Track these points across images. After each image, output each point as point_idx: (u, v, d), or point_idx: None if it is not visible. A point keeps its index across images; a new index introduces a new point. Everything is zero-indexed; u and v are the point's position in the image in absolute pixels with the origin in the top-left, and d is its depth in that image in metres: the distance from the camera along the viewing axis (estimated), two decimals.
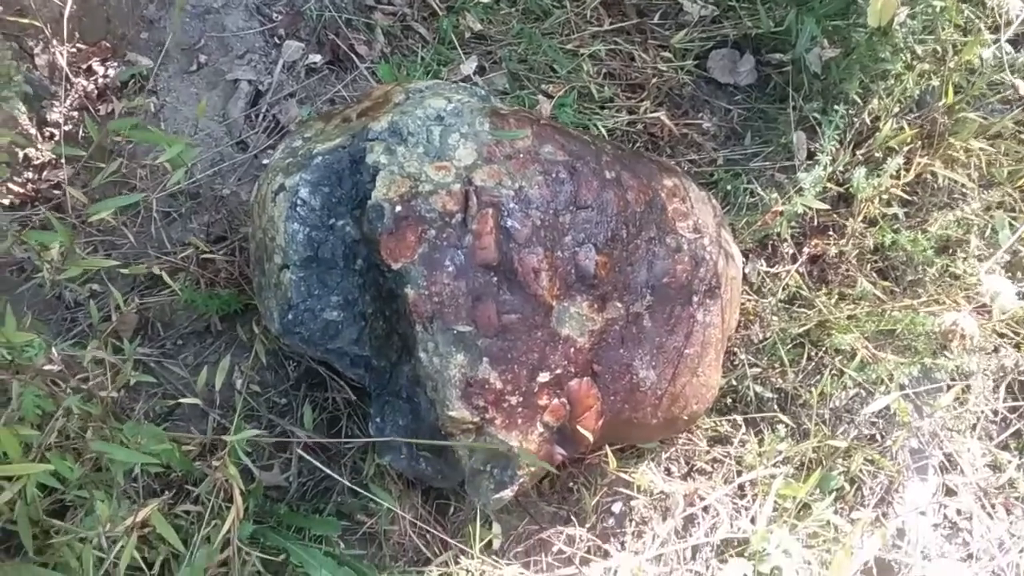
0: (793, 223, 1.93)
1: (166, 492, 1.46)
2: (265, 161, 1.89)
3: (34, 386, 1.25)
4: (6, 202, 1.76)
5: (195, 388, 1.58)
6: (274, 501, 1.61)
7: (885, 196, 1.90)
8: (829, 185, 1.91)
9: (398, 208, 1.40)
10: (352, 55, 2.02)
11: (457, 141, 1.46)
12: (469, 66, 2.03)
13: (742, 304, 1.86)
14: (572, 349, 1.47)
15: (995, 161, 1.94)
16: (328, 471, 1.52)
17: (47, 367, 1.26)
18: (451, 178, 1.43)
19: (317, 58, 2.02)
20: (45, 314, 1.69)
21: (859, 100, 1.95)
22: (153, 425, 1.45)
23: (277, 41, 2.03)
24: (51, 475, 1.25)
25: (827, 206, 1.91)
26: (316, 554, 1.51)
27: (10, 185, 1.76)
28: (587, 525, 1.69)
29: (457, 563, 1.58)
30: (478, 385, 1.40)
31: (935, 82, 1.92)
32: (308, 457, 1.58)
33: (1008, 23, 1.63)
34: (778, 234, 1.92)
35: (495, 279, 1.41)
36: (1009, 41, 1.92)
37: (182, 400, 1.56)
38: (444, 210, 1.40)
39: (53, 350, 1.28)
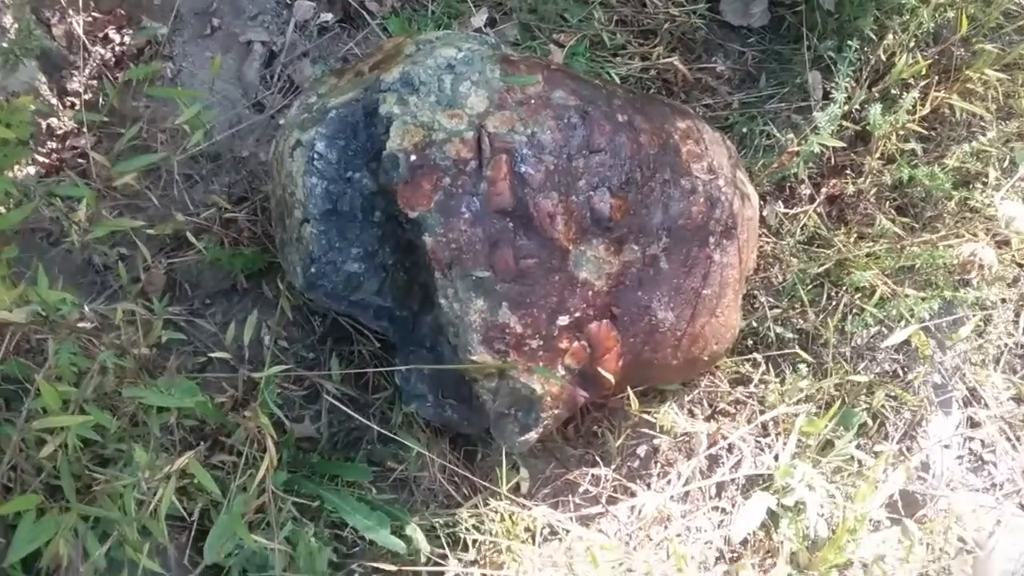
0: (810, 163, 1.93)
1: (201, 444, 1.51)
2: (281, 121, 1.91)
3: (69, 343, 1.29)
4: (32, 171, 1.80)
5: (224, 344, 1.62)
6: (306, 452, 1.65)
7: (902, 132, 1.90)
8: (845, 123, 1.90)
9: (413, 157, 1.42)
10: (363, 12, 2.03)
11: (469, 89, 1.47)
12: (480, 18, 2.03)
13: (761, 247, 1.87)
14: (590, 292, 1.49)
15: (1013, 92, 1.92)
16: (359, 417, 1.55)
17: (81, 324, 1.30)
18: (464, 126, 1.44)
19: (328, 16, 2.03)
20: (76, 278, 1.73)
21: (874, 36, 1.93)
22: (185, 379, 1.49)
23: (288, 1, 2.04)
24: (91, 428, 1.29)
25: (844, 144, 1.91)
26: (349, 499, 1.55)
27: (35, 156, 1.80)
28: (612, 466, 1.72)
29: (487, 505, 1.62)
30: (498, 329, 1.43)
31: (950, 14, 1.90)
32: (339, 405, 1.62)
33: None
34: (795, 175, 1.92)
35: (511, 224, 1.43)
36: None
37: (212, 355, 1.60)
38: (458, 158, 1.42)
39: (86, 308, 1.32)
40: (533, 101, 1.48)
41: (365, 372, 1.71)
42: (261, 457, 1.43)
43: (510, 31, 2.04)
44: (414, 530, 1.56)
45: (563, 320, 1.48)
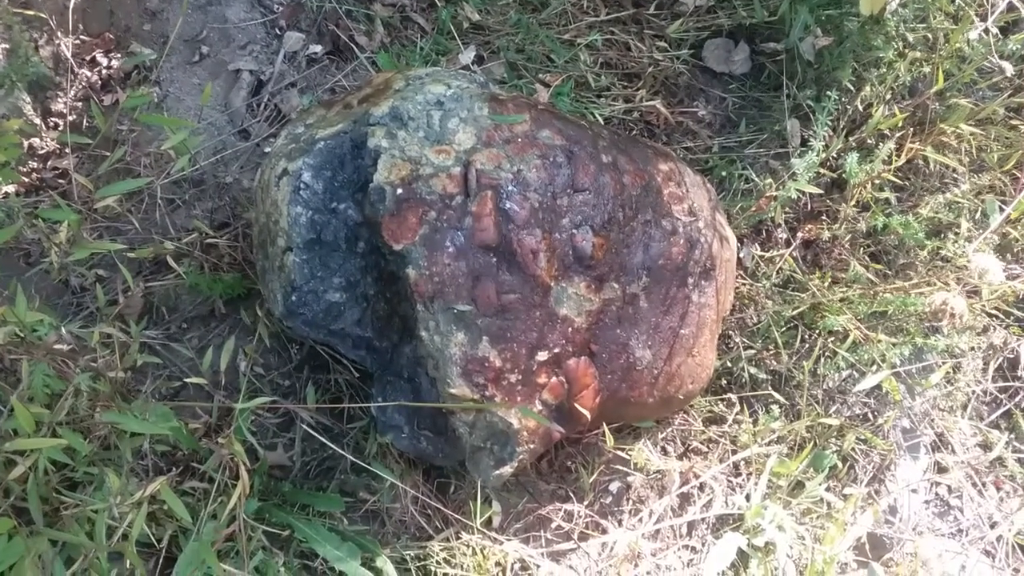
0: (787, 208, 1.97)
1: (173, 469, 1.50)
2: (267, 149, 1.92)
3: (44, 364, 1.28)
4: (12, 190, 1.79)
5: (200, 370, 1.61)
6: (278, 480, 1.64)
7: (877, 181, 1.94)
8: (822, 171, 1.95)
9: (399, 191, 1.43)
10: (352, 45, 2.06)
11: (457, 125, 1.49)
12: (467, 56, 2.06)
13: (737, 288, 1.90)
14: (570, 329, 1.51)
15: (985, 146, 1.98)
16: (333, 446, 1.55)
17: (57, 346, 1.29)
18: (451, 161, 1.46)
19: (318, 48, 2.05)
20: (52, 299, 1.72)
21: (852, 88, 1.99)
22: (160, 404, 1.48)
23: (278, 32, 2.06)
24: (62, 451, 1.27)
25: (820, 191, 1.95)
26: (321, 530, 1.54)
27: (15, 173, 1.79)
28: (585, 502, 1.72)
29: (459, 538, 1.62)
30: (478, 363, 1.43)
31: (926, 69, 1.96)
32: (313, 432, 1.61)
33: (994, 6, 1.67)
34: (772, 219, 1.96)
35: (494, 260, 1.44)
36: (999, 27, 1.95)
37: (187, 380, 1.59)
38: (444, 192, 1.44)
39: (63, 330, 1.31)
40: (520, 139, 1.51)
41: (341, 401, 1.71)
42: (233, 484, 1.42)
43: (497, 69, 2.07)
44: (384, 562, 1.55)
45: (542, 355, 1.49)
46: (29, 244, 1.72)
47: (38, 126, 1.86)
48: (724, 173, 2.03)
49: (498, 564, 1.61)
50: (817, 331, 1.86)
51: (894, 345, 1.76)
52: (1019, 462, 1.85)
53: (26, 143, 1.84)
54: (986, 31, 1.73)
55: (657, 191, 1.63)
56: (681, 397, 1.69)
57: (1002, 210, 1.87)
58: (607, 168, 1.56)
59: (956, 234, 1.89)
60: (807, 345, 1.87)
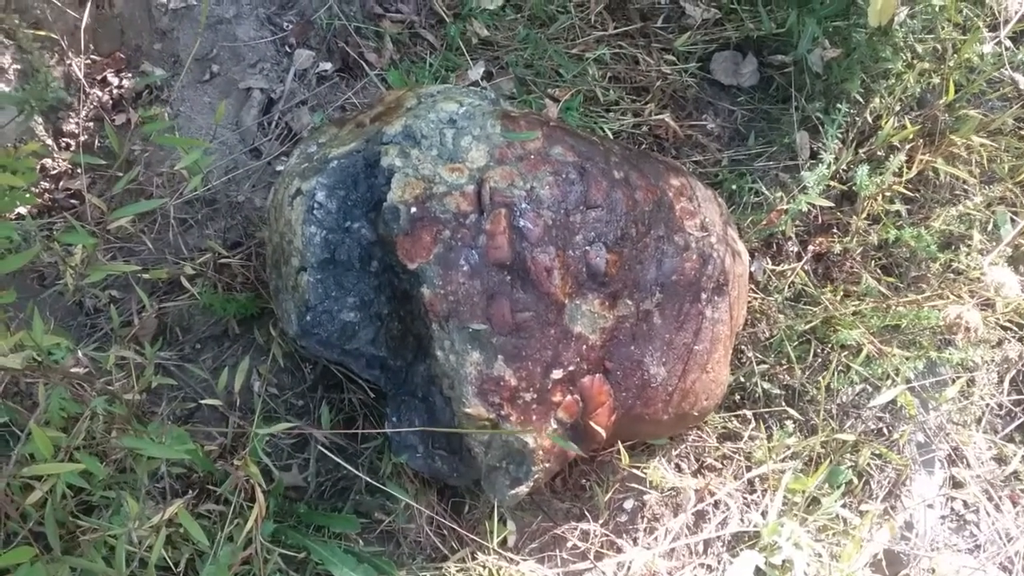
0: (797, 221, 1.97)
1: (189, 492, 1.49)
2: (279, 168, 1.92)
3: (61, 388, 1.28)
4: (24, 211, 1.79)
5: (215, 391, 1.61)
6: (293, 501, 1.64)
7: (888, 193, 1.93)
8: (832, 183, 1.94)
9: (413, 209, 1.43)
10: (362, 62, 2.06)
11: (470, 143, 1.49)
12: (477, 71, 2.06)
13: (749, 302, 1.89)
14: (584, 346, 1.50)
15: (996, 157, 1.97)
16: (348, 467, 1.54)
17: (74, 369, 1.29)
18: (465, 179, 1.46)
19: (327, 66, 2.06)
20: (65, 320, 1.72)
21: (861, 99, 1.99)
22: (176, 426, 1.48)
23: (288, 50, 2.06)
24: (78, 475, 1.27)
25: (831, 204, 1.94)
26: (337, 551, 1.54)
27: (27, 195, 1.79)
28: (600, 521, 1.71)
29: (474, 559, 1.61)
30: (493, 382, 1.43)
31: (935, 80, 1.95)
32: (328, 453, 1.61)
33: (1007, 20, 1.67)
34: (783, 232, 1.95)
35: (509, 278, 1.44)
36: (1009, 38, 1.95)
37: (203, 402, 1.59)
38: (458, 211, 1.43)
39: (79, 353, 1.31)
40: (532, 156, 1.51)
41: (355, 420, 1.70)
42: (249, 506, 1.42)
43: (506, 85, 2.07)
44: None
45: (557, 373, 1.49)
46: (43, 266, 1.72)
47: (50, 147, 1.87)
48: (734, 186, 2.03)
49: None
50: (830, 345, 1.86)
51: (908, 359, 1.75)
52: None
53: (38, 164, 1.85)
54: (999, 43, 1.72)
55: (669, 206, 1.63)
56: (696, 414, 1.68)
57: (1014, 222, 1.87)
58: (619, 184, 1.56)
59: (968, 246, 1.89)
60: (820, 360, 1.86)
